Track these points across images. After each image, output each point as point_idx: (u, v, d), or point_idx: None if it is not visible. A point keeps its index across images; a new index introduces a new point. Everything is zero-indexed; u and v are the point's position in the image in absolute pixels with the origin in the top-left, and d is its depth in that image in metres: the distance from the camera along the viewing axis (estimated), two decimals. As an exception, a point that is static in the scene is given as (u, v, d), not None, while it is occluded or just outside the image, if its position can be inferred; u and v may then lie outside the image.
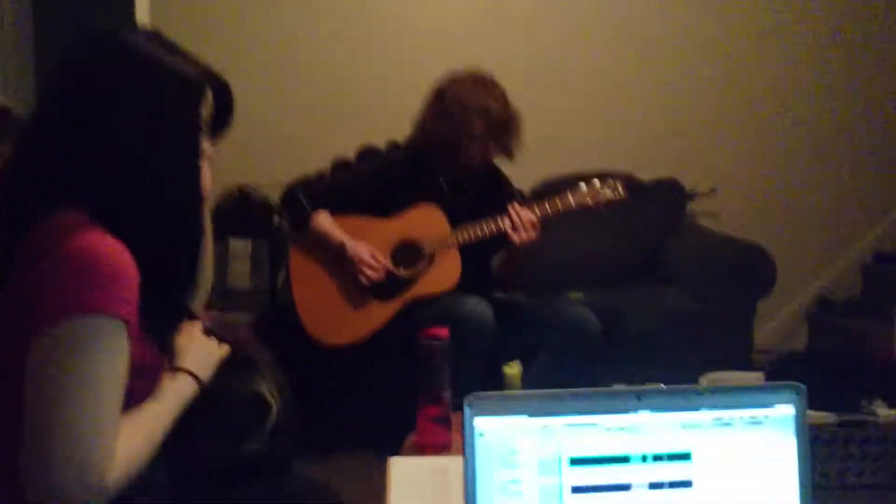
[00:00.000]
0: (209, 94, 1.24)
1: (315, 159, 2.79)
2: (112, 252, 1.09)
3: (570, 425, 0.97)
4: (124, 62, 1.18)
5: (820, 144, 3.88)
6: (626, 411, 0.98)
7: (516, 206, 2.56)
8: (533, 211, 2.57)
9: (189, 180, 1.22)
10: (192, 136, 1.22)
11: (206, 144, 1.26)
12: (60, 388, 1.03)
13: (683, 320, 3.02)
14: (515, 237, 2.52)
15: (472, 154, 2.64)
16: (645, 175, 3.39)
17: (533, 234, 2.53)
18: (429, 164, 2.72)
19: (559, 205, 2.59)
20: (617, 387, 1.03)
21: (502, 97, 2.63)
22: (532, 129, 2.80)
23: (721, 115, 3.80)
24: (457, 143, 2.61)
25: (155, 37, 1.24)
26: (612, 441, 0.98)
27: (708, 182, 3.49)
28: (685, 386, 1.01)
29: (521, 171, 3.01)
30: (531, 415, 0.96)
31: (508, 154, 2.70)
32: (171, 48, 1.22)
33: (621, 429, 0.98)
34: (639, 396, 0.99)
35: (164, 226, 1.19)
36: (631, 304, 3.07)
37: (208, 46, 1.35)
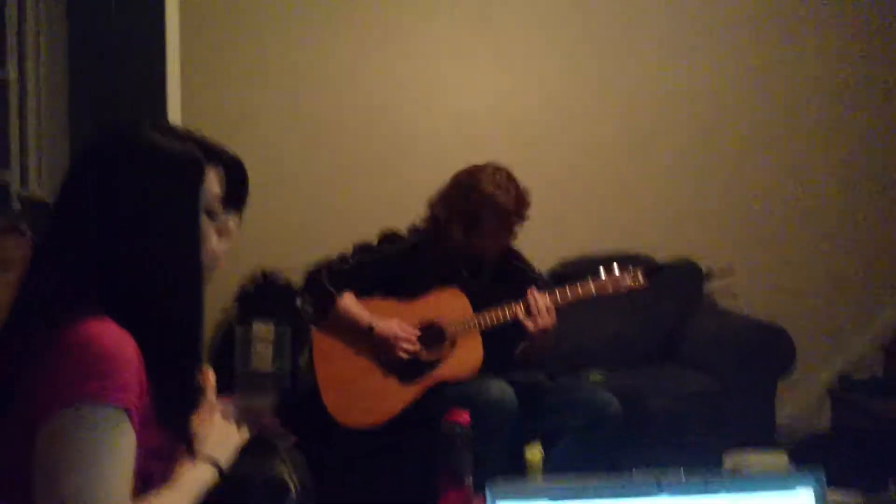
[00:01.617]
0: (213, 171, 1.27)
1: (336, 244, 2.84)
2: (114, 343, 1.12)
3: (591, 512, 0.99)
4: (122, 149, 1.23)
5: (838, 222, 3.88)
6: (647, 497, 1.00)
7: (533, 292, 2.60)
8: (552, 297, 2.60)
9: (188, 259, 1.24)
10: (190, 214, 1.24)
11: (223, 219, 1.30)
12: (62, 472, 1.06)
13: (704, 401, 3.00)
14: (530, 324, 2.55)
15: (485, 248, 2.72)
16: (661, 255, 3.42)
17: (548, 321, 2.56)
18: (448, 249, 2.77)
19: (579, 292, 2.62)
20: (637, 473, 1.04)
21: (516, 193, 2.69)
22: (549, 211, 2.86)
23: (737, 194, 3.83)
24: (471, 242, 2.68)
25: (156, 124, 1.28)
26: (633, 528, 0.99)
27: (725, 262, 3.51)
28: (704, 472, 1.03)
29: (539, 253, 3.05)
30: (553, 500, 0.98)
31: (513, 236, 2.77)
32: (173, 132, 1.27)
33: (643, 515, 1.00)
34: (660, 483, 1.01)
35: (167, 306, 1.21)
36: (651, 385, 3.06)
37: (234, 134, 1.41)
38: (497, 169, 2.71)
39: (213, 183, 1.28)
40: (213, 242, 1.29)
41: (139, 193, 1.20)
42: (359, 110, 3.64)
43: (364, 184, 3.62)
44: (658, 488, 1.00)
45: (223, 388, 3.17)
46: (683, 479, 1.02)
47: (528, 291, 2.60)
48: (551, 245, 3.46)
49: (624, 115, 3.78)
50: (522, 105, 3.72)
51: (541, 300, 2.57)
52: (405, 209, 2.93)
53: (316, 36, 3.62)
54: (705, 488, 1.02)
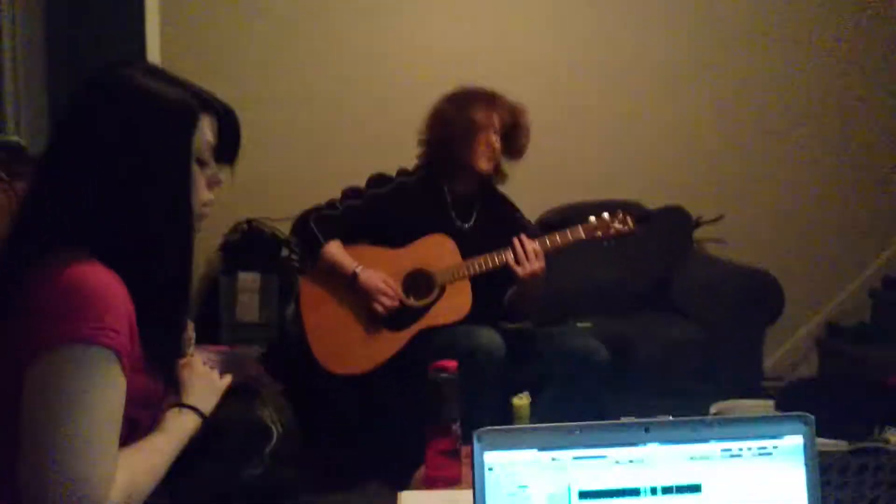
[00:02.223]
0: (207, 120, 1.27)
1: (324, 192, 2.81)
2: (102, 283, 1.11)
3: (579, 458, 0.97)
4: (115, 93, 1.22)
5: (828, 170, 3.88)
6: (634, 444, 0.99)
7: (522, 238, 2.58)
8: (541, 243, 2.58)
9: (179, 204, 1.23)
10: (182, 160, 1.23)
11: (214, 169, 1.28)
12: (53, 413, 1.05)
13: (692, 348, 3.02)
14: (519, 270, 2.55)
15: (481, 150, 2.68)
16: (652, 203, 3.40)
17: (537, 266, 2.55)
18: (439, 180, 2.75)
19: (569, 237, 2.61)
20: (625, 419, 1.03)
21: (503, 97, 2.73)
22: (539, 160, 2.82)
23: (727, 142, 3.82)
24: (464, 141, 2.66)
25: (150, 68, 1.27)
26: (621, 474, 0.98)
27: (715, 209, 3.50)
28: (693, 418, 1.02)
29: (529, 201, 3.03)
30: (540, 449, 0.97)
31: (518, 150, 2.76)
32: (165, 77, 1.25)
33: (630, 461, 0.98)
34: (647, 429, 0.99)
35: (157, 252, 1.21)
36: (639, 332, 3.06)
37: (216, 82, 1.37)
38: (496, 98, 2.75)
39: (205, 131, 1.27)
40: (203, 192, 1.28)
41: (131, 138, 1.20)
42: (345, 55, 3.59)
43: (352, 130, 3.58)
44: (646, 434, 0.99)
45: (208, 338, 3.18)
46: (671, 425, 1.01)
47: (517, 237, 2.58)
48: (541, 193, 3.44)
49: (615, 64, 3.74)
50: (513, 51, 3.67)
51: (530, 245, 2.56)
52: (394, 155, 2.89)
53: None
54: (693, 434, 1.01)
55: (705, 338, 3.04)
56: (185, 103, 1.24)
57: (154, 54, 3.10)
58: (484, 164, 2.71)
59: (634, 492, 0.98)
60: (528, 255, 2.55)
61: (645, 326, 3.15)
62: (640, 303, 3.38)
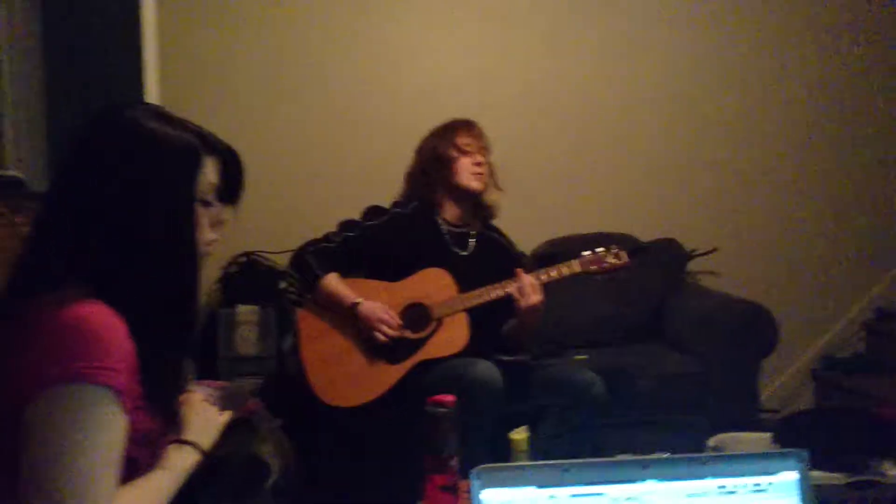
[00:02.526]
0: (210, 161, 1.28)
1: (321, 226, 2.84)
2: (102, 322, 1.12)
3: (576, 496, 0.98)
4: (121, 135, 1.24)
5: (821, 202, 3.91)
6: (632, 481, 1.00)
7: (520, 272, 2.60)
8: (538, 276, 2.61)
9: (183, 245, 1.25)
10: (186, 203, 1.25)
11: (217, 209, 1.30)
12: (52, 453, 1.05)
13: (687, 381, 3.02)
14: (521, 302, 2.56)
15: (470, 170, 2.77)
16: (645, 235, 3.42)
17: (536, 299, 2.56)
18: (433, 210, 2.80)
19: (564, 270, 2.63)
20: (622, 456, 1.04)
21: (467, 119, 2.87)
22: (533, 192, 2.85)
23: (721, 175, 3.84)
24: (453, 164, 2.77)
25: (154, 110, 1.29)
26: (618, 511, 0.99)
27: (708, 242, 3.52)
28: (689, 454, 1.03)
29: (522, 233, 3.05)
30: (538, 486, 0.98)
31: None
32: (170, 120, 1.28)
33: (628, 499, 0.99)
34: (644, 466, 1.01)
35: (160, 292, 1.22)
36: (634, 365, 3.07)
37: (214, 118, 1.40)
38: (471, 123, 2.86)
39: (209, 172, 1.28)
40: (206, 231, 1.30)
41: (136, 179, 1.21)
42: (342, 91, 3.62)
43: (348, 164, 3.61)
44: (643, 471, 1.00)
45: (206, 371, 3.18)
46: (668, 462, 1.02)
47: (517, 271, 2.60)
48: (535, 226, 3.46)
49: (610, 97, 3.78)
50: (507, 84, 3.71)
51: (528, 279, 2.58)
52: (391, 189, 2.93)
53: (296, 16, 3.59)
54: (690, 471, 1.02)
55: (700, 370, 3.05)
56: (190, 145, 1.26)
57: (152, 93, 3.13)
58: (475, 184, 2.78)
59: (632, 529, 0.99)
60: (527, 289, 2.56)
61: (640, 359, 3.15)
62: (634, 335, 3.39)
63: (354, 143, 3.62)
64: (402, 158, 2.90)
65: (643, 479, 1.00)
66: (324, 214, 2.92)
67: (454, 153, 2.78)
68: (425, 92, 3.63)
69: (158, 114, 1.29)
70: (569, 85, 3.75)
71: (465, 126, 2.84)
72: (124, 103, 1.31)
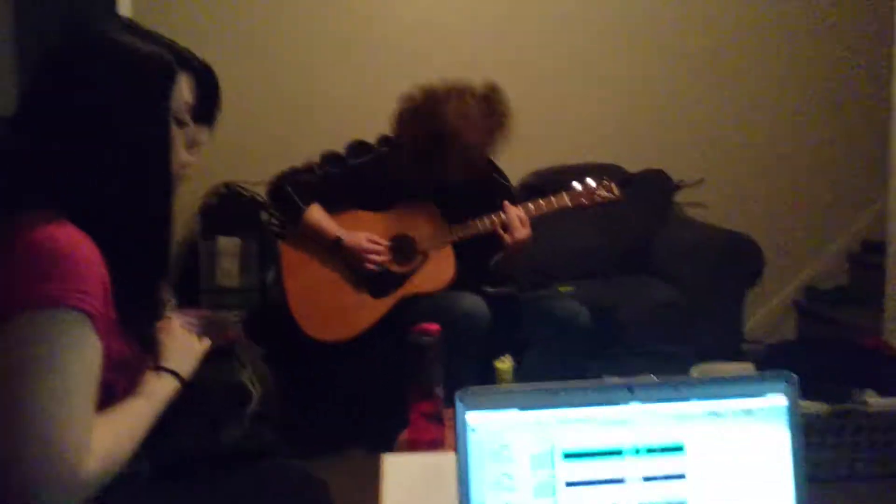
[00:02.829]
0: (185, 78, 1.24)
1: (302, 156, 2.77)
2: (72, 245, 1.09)
3: (562, 419, 0.97)
4: (90, 49, 1.19)
5: (806, 134, 3.89)
6: (618, 404, 0.98)
7: (507, 205, 2.56)
8: (527, 210, 2.56)
9: (157, 164, 1.21)
10: (159, 118, 1.20)
11: (193, 130, 1.26)
12: (23, 376, 1.02)
13: (672, 311, 3.03)
14: (507, 237, 2.53)
15: (472, 141, 2.54)
16: (632, 166, 3.39)
17: (524, 234, 2.53)
18: (422, 161, 2.69)
19: (554, 204, 2.59)
20: (608, 379, 1.03)
21: (485, 122, 2.57)
22: (519, 123, 2.78)
23: (707, 105, 3.81)
24: (453, 134, 2.51)
25: (128, 24, 1.25)
26: (604, 434, 0.97)
27: (695, 173, 3.50)
28: (676, 377, 1.01)
29: (509, 164, 3.00)
30: (523, 409, 0.96)
31: (500, 129, 2.61)
32: (145, 34, 1.22)
33: (614, 422, 0.98)
34: (630, 389, 0.99)
35: (133, 214, 1.19)
36: (620, 296, 3.07)
37: (192, 44, 1.34)
38: (466, 92, 2.55)
39: (183, 90, 1.24)
40: (181, 153, 1.25)
41: (107, 94, 1.17)
42: (326, 19, 3.53)
43: (331, 94, 3.54)
44: (629, 394, 0.98)
45: (189, 303, 3.14)
46: (654, 385, 1.00)
47: (504, 204, 2.56)
48: (522, 156, 3.39)
49: (596, 26, 3.71)
50: (495, 14, 3.63)
51: (516, 213, 2.54)
52: (374, 120, 2.85)
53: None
54: (676, 393, 1.00)
55: (685, 301, 3.06)
56: (163, 59, 1.21)
57: (125, 9, 3.02)
58: (473, 155, 2.58)
59: (618, 452, 0.98)
60: (515, 222, 2.52)
61: (625, 290, 3.15)
62: (620, 266, 3.38)
63: (340, 71, 3.54)
64: (387, 91, 2.81)
65: (629, 402, 0.98)
66: (307, 144, 2.85)
67: (438, 164, 2.56)
68: (413, 21, 3.54)
69: (129, 26, 1.23)
70: (554, 10, 3.67)
71: (459, 148, 2.53)
72: (94, 17, 1.25)
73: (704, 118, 3.81)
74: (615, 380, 1.01)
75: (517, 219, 2.53)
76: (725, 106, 3.81)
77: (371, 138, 2.77)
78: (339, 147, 2.76)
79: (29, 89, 1.23)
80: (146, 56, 1.19)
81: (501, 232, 2.54)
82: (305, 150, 2.80)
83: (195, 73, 1.26)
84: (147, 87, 1.19)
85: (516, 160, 3.20)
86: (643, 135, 3.74)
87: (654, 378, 1.03)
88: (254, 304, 3.09)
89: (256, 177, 3.18)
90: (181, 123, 1.24)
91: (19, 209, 1.12)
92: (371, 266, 2.59)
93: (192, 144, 1.27)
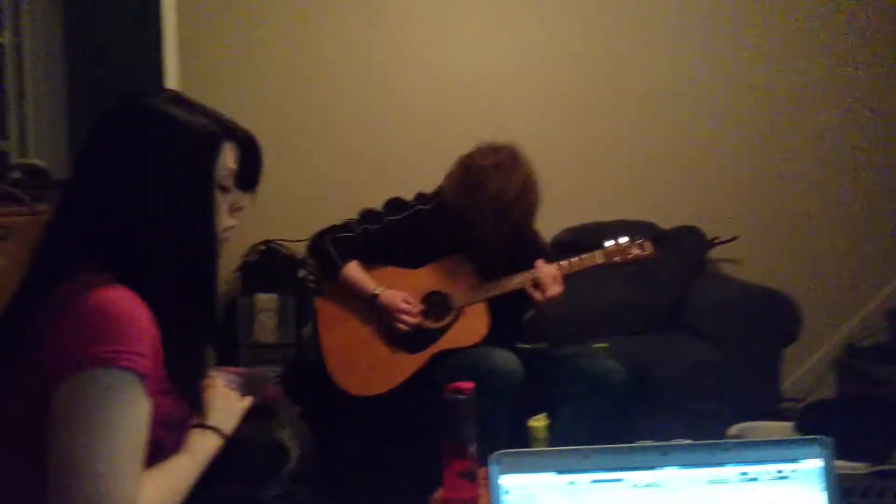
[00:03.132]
0: (229, 147, 1.29)
1: (340, 215, 2.83)
2: (124, 307, 1.13)
3: (596, 482, 0.98)
4: (140, 121, 1.25)
5: (843, 190, 3.86)
6: (652, 467, 0.99)
7: (539, 263, 2.58)
8: (560, 267, 2.58)
9: (202, 230, 1.26)
10: (205, 187, 1.26)
11: (236, 195, 1.30)
12: (77, 437, 1.06)
13: (707, 369, 2.99)
14: (538, 295, 2.53)
15: (486, 232, 2.59)
16: (666, 223, 3.40)
17: (556, 291, 2.53)
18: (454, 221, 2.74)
19: (587, 262, 2.60)
20: (642, 443, 1.03)
21: (520, 181, 2.59)
22: (554, 180, 2.81)
23: (741, 161, 3.81)
24: (471, 223, 2.58)
25: (174, 96, 1.30)
26: (638, 497, 0.98)
27: (730, 230, 3.49)
28: (710, 441, 1.02)
29: (544, 221, 3.02)
30: (557, 472, 0.97)
31: (527, 222, 2.68)
32: (189, 105, 1.28)
33: (648, 485, 0.98)
34: (664, 452, 0.99)
35: (181, 277, 1.23)
36: (655, 353, 3.04)
37: (233, 106, 1.40)
38: (502, 163, 2.58)
39: (227, 158, 1.29)
40: (225, 218, 1.30)
41: (155, 165, 1.22)
42: (362, 79, 3.62)
43: (369, 153, 3.60)
44: (663, 457, 0.99)
45: (227, 359, 3.20)
46: (689, 448, 1.01)
47: (536, 263, 2.58)
48: (554, 213, 3.42)
49: (628, 81, 3.75)
50: (528, 70, 3.69)
51: (549, 270, 2.55)
52: (411, 179, 2.91)
53: (316, 4, 3.59)
54: (711, 457, 1.00)
55: (721, 359, 3.02)
56: (208, 130, 1.27)
57: (172, 81, 3.14)
58: (487, 240, 2.63)
59: (652, 515, 0.98)
60: (547, 280, 2.54)
61: (660, 347, 3.13)
62: (654, 323, 3.36)
63: (377, 131, 3.61)
64: (425, 148, 2.87)
65: (663, 466, 0.99)
66: (343, 203, 2.90)
67: (472, 228, 2.59)
68: (445, 82, 3.62)
69: (178, 99, 1.29)
70: (587, 70, 3.72)
71: (491, 215, 2.55)
72: (144, 91, 1.31)
73: (740, 174, 3.80)
74: (649, 443, 1.01)
75: (549, 276, 2.55)
76: (762, 161, 3.81)
77: (409, 195, 2.82)
78: (377, 205, 2.82)
79: (81, 157, 1.28)
80: (192, 127, 1.25)
81: (532, 290, 2.55)
82: (343, 208, 2.86)
83: (238, 142, 1.31)
84: (194, 157, 1.25)
85: (550, 217, 3.22)
86: (676, 192, 3.74)
87: (688, 441, 1.04)
88: (290, 360, 3.13)
89: (294, 235, 3.25)
90: (225, 190, 1.29)
91: (74, 272, 1.17)
92: (402, 326, 2.62)
93: (234, 209, 1.32)
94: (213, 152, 1.26)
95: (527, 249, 2.73)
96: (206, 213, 1.26)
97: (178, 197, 1.23)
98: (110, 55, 3.11)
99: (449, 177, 2.68)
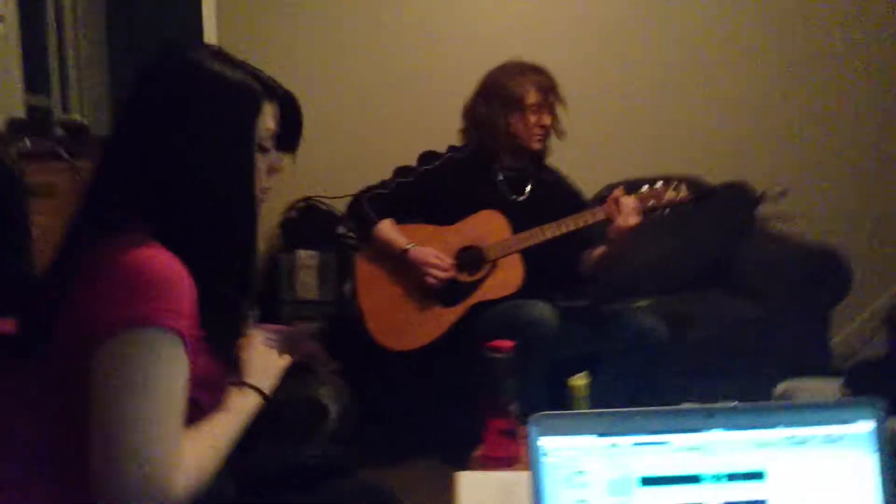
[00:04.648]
0: (269, 106, 1.26)
1: (379, 170, 2.83)
2: (164, 266, 1.12)
3: (639, 444, 0.95)
4: (181, 76, 1.22)
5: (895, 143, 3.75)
6: (697, 430, 0.96)
7: (620, 191, 2.49)
8: (639, 199, 2.48)
9: (242, 188, 1.24)
10: (245, 145, 1.23)
11: (274, 156, 1.29)
12: (118, 396, 1.06)
13: (753, 328, 2.94)
14: (621, 220, 2.43)
15: (533, 132, 2.69)
16: (714, 179, 3.32)
17: (635, 220, 2.43)
18: (489, 156, 2.73)
19: (663, 195, 2.49)
20: (687, 404, 1.01)
21: (542, 69, 2.72)
22: (596, 134, 2.77)
23: (791, 115, 3.70)
24: (516, 124, 2.67)
25: (217, 52, 1.27)
26: (683, 460, 0.96)
27: (779, 184, 3.40)
28: (758, 403, 0.99)
29: (583, 177, 2.98)
30: (599, 434, 0.95)
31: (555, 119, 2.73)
32: (233, 62, 1.26)
33: (692, 448, 0.96)
34: (710, 414, 0.97)
35: (219, 236, 1.22)
36: (698, 310, 3.00)
37: (271, 62, 1.38)
38: (512, 61, 2.75)
39: (267, 117, 1.27)
40: (264, 177, 1.28)
41: (197, 119, 1.20)
42: (398, 37, 3.57)
43: (405, 110, 3.57)
44: (709, 420, 0.96)
45: (268, 315, 3.22)
46: (735, 410, 0.98)
47: (614, 192, 2.48)
48: (599, 168, 3.39)
49: (675, 37, 3.65)
50: (564, 20, 3.61)
51: (626, 199, 2.45)
52: (445, 134, 2.88)
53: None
54: (758, 420, 0.98)
55: (766, 317, 2.96)
56: (250, 88, 1.24)
57: (211, 37, 3.12)
58: (536, 145, 2.72)
59: (696, 479, 0.96)
60: (628, 208, 2.43)
61: (704, 305, 3.08)
62: (700, 281, 3.31)
63: (411, 88, 3.57)
64: (457, 103, 2.83)
65: (709, 429, 0.96)
66: (382, 159, 2.90)
67: (520, 108, 2.68)
68: (481, 35, 3.55)
69: (219, 55, 1.27)
70: (629, 18, 3.63)
71: (537, 80, 2.69)
72: (185, 45, 1.29)
73: (788, 128, 3.70)
74: (693, 405, 0.99)
75: (630, 205, 2.44)
76: (812, 114, 3.70)
77: (442, 149, 2.82)
78: (412, 160, 2.80)
79: (121, 111, 1.27)
80: (234, 84, 1.23)
81: (617, 215, 2.44)
82: (381, 164, 2.85)
83: (279, 102, 1.29)
84: (234, 114, 1.23)
85: (592, 172, 3.18)
86: (724, 147, 3.66)
87: (735, 403, 1.01)
88: (331, 316, 3.15)
89: (333, 191, 3.25)
90: (264, 150, 1.27)
91: (112, 231, 1.17)
92: (432, 281, 2.62)
93: (273, 170, 1.30)
94: (253, 111, 1.24)
95: (564, 200, 2.70)
96: (246, 172, 1.24)
97: (217, 154, 1.21)
98: (150, 11, 3.10)
99: (473, 95, 2.78)
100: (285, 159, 1.34)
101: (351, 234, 3.21)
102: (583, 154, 2.85)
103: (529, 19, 3.59)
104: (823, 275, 2.99)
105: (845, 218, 3.68)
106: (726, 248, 3.35)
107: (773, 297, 3.01)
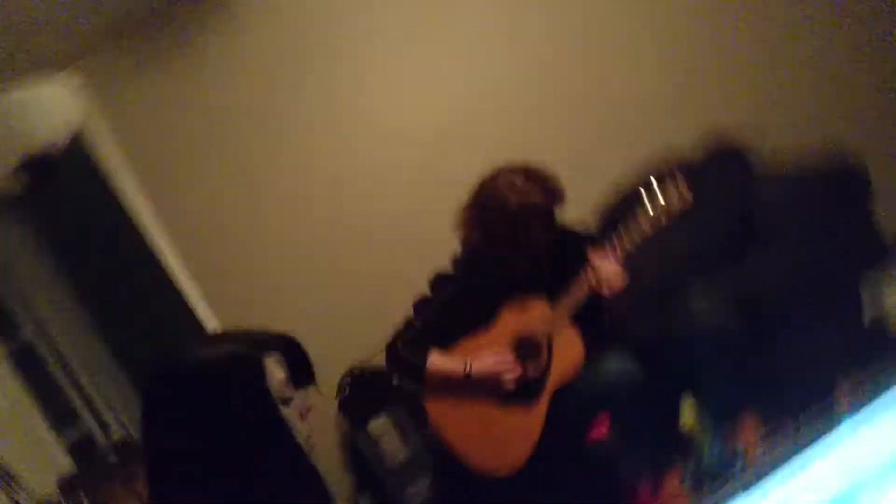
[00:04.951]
0: (270, 360, 1.26)
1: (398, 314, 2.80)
2: None
3: None
4: (180, 379, 1.24)
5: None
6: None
7: (594, 258, 2.51)
8: (613, 253, 2.51)
9: (286, 448, 1.24)
10: (268, 411, 1.24)
11: (299, 399, 1.28)
12: None
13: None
14: (609, 293, 2.48)
15: (532, 249, 2.61)
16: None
17: (620, 281, 2.47)
18: (493, 251, 2.68)
19: (634, 235, 2.52)
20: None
21: (541, 189, 2.58)
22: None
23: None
24: (512, 253, 2.60)
25: (203, 338, 1.30)
26: None
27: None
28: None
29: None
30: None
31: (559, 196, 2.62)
32: (220, 338, 1.28)
33: None
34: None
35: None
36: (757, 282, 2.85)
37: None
38: (512, 171, 2.60)
39: (273, 370, 1.26)
40: (301, 424, 1.27)
41: (213, 411, 1.20)
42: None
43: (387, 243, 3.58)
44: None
45: (374, 492, 3.12)
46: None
47: (589, 259, 2.50)
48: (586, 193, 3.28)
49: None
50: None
51: (604, 266, 2.48)
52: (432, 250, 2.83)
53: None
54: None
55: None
56: (244, 355, 1.25)
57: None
58: (543, 238, 2.63)
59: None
60: (604, 272, 2.47)
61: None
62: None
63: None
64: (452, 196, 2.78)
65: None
66: (395, 304, 2.86)
67: (514, 247, 2.61)
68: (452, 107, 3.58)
69: (204, 339, 1.29)
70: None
71: (526, 220, 2.57)
72: (175, 345, 1.31)
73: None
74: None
75: (604, 267, 2.47)
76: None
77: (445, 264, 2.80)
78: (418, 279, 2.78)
79: (142, 430, 1.27)
80: (230, 360, 1.24)
81: (598, 289, 2.48)
82: (396, 308, 2.81)
83: (278, 350, 1.29)
84: (243, 388, 1.23)
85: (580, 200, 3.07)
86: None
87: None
88: (426, 466, 3.08)
89: (366, 353, 3.20)
90: (286, 401, 1.27)
91: None
92: (509, 385, 2.57)
93: (305, 411, 1.30)
94: (258, 375, 1.24)
95: (574, 246, 2.67)
96: (280, 433, 1.24)
97: (251, 435, 1.21)
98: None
99: (466, 219, 2.67)
100: (312, 395, 1.34)
101: (404, 380, 3.18)
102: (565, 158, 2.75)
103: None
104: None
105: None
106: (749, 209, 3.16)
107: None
